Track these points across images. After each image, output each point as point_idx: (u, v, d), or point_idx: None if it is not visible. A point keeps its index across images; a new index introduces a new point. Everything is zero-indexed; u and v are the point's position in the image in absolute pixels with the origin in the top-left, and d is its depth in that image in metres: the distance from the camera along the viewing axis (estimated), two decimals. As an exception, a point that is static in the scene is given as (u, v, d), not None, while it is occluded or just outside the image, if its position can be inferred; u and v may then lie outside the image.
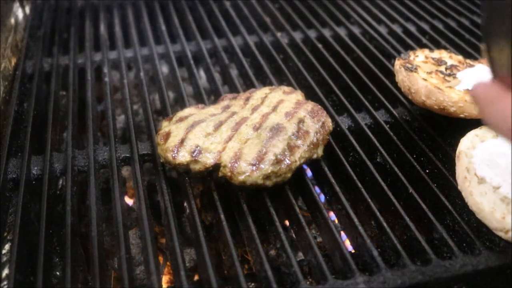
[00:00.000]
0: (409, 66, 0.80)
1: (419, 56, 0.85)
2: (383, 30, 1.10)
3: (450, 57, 0.86)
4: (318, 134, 0.69)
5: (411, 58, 0.84)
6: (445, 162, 0.73)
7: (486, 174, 0.63)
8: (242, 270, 0.58)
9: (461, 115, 0.74)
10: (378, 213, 0.65)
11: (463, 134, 0.71)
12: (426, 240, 0.61)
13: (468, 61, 0.85)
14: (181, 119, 0.71)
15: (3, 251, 0.65)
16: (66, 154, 0.76)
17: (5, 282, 0.60)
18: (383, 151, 0.75)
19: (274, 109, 0.72)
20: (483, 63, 0.84)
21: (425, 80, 0.77)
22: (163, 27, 1.14)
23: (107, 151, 0.77)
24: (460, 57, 0.87)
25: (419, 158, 0.74)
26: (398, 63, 0.82)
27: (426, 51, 0.87)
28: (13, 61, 1.02)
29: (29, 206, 0.69)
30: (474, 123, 0.73)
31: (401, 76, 0.80)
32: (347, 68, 0.96)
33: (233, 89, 0.94)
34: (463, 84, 0.77)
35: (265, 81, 0.97)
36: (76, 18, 1.19)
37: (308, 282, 0.60)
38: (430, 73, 0.79)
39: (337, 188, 0.69)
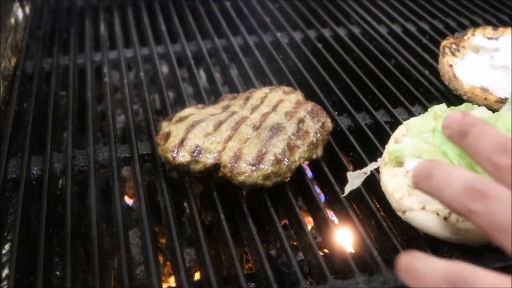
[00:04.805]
0: (454, 47, 0.77)
1: (476, 36, 0.80)
2: (383, 30, 1.10)
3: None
4: (318, 134, 0.69)
5: (466, 37, 0.80)
6: (445, 162, 0.72)
7: (408, 161, 0.62)
8: (242, 270, 0.58)
9: None
10: (378, 213, 0.65)
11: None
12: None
13: None
14: (181, 119, 0.71)
15: (3, 251, 0.65)
16: (66, 154, 0.76)
17: (5, 282, 0.60)
18: (383, 151, 0.75)
19: (274, 108, 0.72)
20: None
21: (451, 66, 0.75)
22: (163, 27, 1.14)
23: (107, 151, 0.77)
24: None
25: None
26: (443, 43, 0.79)
27: (488, 29, 0.82)
28: (13, 61, 1.02)
29: (29, 206, 0.69)
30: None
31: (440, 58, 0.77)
32: (347, 68, 0.96)
33: (233, 89, 0.94)
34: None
35: (265, 81, 0.97)
36: (76, 18, 1.19)
37: (308, 282, 0.60)
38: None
39: (337, 188, 0.69)
